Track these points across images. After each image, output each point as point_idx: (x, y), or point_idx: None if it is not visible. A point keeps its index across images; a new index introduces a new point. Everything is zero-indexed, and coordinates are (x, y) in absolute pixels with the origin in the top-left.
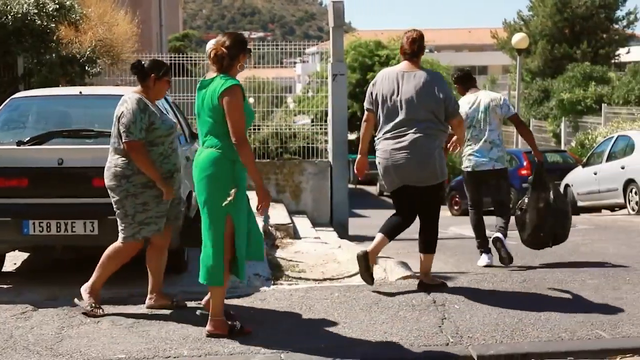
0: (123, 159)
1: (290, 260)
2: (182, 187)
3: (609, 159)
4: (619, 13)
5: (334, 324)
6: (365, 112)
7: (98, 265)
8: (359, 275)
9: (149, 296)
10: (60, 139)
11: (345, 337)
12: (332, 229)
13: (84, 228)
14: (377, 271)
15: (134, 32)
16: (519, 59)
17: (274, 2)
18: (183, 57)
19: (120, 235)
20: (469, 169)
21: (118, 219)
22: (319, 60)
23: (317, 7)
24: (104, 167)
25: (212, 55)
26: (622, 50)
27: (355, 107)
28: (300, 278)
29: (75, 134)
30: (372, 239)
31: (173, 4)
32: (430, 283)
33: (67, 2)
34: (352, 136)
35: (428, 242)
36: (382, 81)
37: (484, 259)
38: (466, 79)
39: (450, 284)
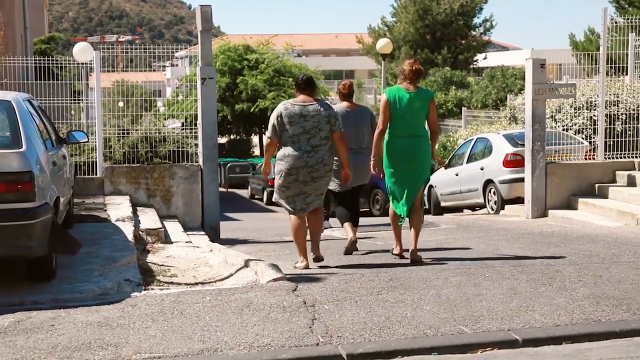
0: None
1: (162, 265)
2: (50, 193)
3: (469, 160)
4: (476, 20)
5: (206, 327)
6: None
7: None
8: (230, 279)
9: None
10: None
11: (217, 341)
12: (203, 232)
13: None
14: (249, 274)
15: None
16: (384, 64)
17: (142, 6)
18: (49, 60)
19: (312, 207)
20: None
21: (316, 197)
22: (188, 64)
23: (186, 10)
24: None
25: (414, 72)
26: (479, 56)
27: (226, 111)
28: (171, 283)
29: None
30: (243, 242)
31: (38, 6)
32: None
33: None
34: (222, 140)
35: (357, 218)
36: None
37: None
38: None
39: (319, 284)
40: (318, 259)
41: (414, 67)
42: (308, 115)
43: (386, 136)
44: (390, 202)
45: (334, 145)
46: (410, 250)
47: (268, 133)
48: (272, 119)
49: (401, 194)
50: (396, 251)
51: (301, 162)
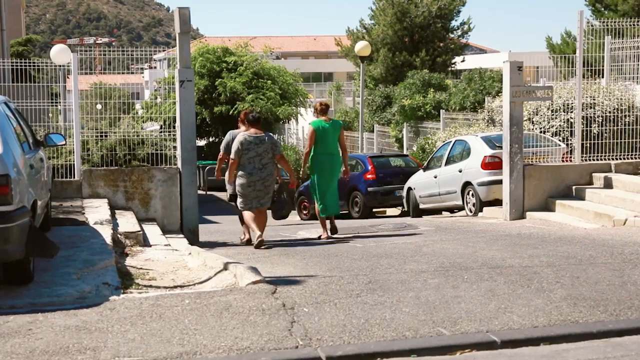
0: (275, 166)
1: (141, 268)
2: (27, 196)
3: (447, 162)
4: (454, 23)
5: (185, 331)
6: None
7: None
8: (209, 282)
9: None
10: None
11: (196, 344)
12: (182, 235)
13: None
14: (228, 277)
15: None
16: (362, 66)
17: (120, 8)
18: (26, 62)
19: (264, 205)
20: None
21: (267, 199)
22: (166, 66)
23: (164, 12)
24: None
25: (324, 109)
26: (457, 59)
27: (205, 114)
28: (150, 286)
29: None
30: (223, 244)
31: (14, 7)
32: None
33: None
34: (201, 142)
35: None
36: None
37: None
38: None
39: (298, 287)
40: (262, 242)
41: (323, 105)
42: (260, 143)
43: (312, 154)
44: (316, 202)
45: (276, 162)
46: (330, 228)
47: (232, 155)
48: (235, 146)
49: (323, 195)
50: (323, 236)
51: (256, 177)
